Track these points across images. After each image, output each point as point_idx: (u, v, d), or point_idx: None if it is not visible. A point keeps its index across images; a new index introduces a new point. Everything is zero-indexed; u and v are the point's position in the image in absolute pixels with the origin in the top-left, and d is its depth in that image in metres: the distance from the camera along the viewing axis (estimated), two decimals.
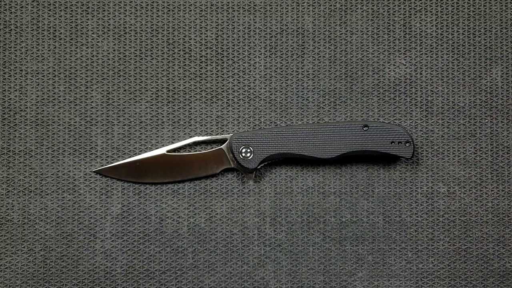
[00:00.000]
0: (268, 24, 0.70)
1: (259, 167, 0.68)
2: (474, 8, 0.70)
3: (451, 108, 0.69)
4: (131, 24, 0.70)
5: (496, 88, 0.69)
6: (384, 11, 0.70)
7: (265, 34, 0.70)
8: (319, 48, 0.70)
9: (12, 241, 0.68)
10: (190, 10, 0.70)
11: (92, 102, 0.69)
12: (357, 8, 0.70)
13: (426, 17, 0.70)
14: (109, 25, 0.70)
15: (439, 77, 0.69)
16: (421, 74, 0.69)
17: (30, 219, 0.68)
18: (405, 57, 0.70)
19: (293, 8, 0.70)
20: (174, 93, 0.69)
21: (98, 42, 0.69)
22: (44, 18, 0.69)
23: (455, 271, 0.68)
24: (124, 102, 0.69)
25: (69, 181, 0.68)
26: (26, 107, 0.69)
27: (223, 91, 0.69)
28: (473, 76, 0.69)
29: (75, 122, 0.69)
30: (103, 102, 0.69)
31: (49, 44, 0.69)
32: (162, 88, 0.69)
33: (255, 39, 0.70)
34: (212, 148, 0.69)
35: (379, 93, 0.69)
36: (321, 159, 0.66)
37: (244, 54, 0.70)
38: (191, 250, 0.68)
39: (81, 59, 0.69)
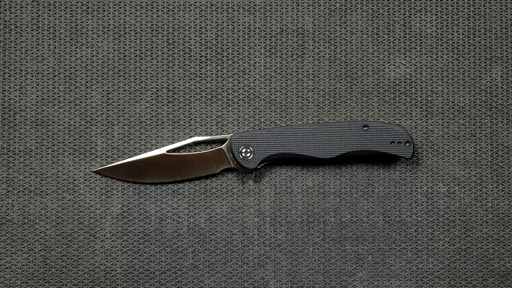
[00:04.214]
0: (268, 24, 0.70)
1: (259, 167, 0.68)
2: (474, 8, 0.70)
3: (451, 108, 0.69)
4: (131, 24, 0.70)
5: (496, 88, 0.69)
6: (384, 11, 0.70)
7: (265, 34, 0.70)
8: (319, 48, 0.70)
9: (12, 241, 0.68)
10: (190, 10, 0.70)
11: (92, 102, 0.69)
12: (357, 8, 0.70)
13: (426, 17, 0.70)
14: (109, 25, 0.70)
15: (439, 77, 0.69)
16: (421, 74, 0.69)
17: (30, 219, 0.68)
18: (405, 57, 0.70)
19: (293, 8, 0.70)
20: (174, 93, 0.69)
21: (98, 42, 0.69)
22: (44, 18, 0.69)
23: (455, 271, 0.68)
24: (124, 102, 0.69)
25: (69, 181, 0.68)
26: (26, 107, 0.69)
27: (223, 91, 0.69)
28: (473, 76, 0.69)
29: (75, 122, 0.69)
30: (103, 102, 0.69)
31: (49, 44, 0.69)
32: (162, 88, 0.69)
33: (255, 39, 0.70)
34: (212, 148, 0.69)
35: (379, 93, 0.69)
36: (321, 159, 0.66)
37: (244, 54, 0.70)
38: (191, 250, 0.68)
39: (81, 59, 0.69)
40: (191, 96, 0.69)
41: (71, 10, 0.70)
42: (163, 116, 0.69)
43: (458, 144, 0.69)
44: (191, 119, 0.69)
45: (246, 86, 0.69)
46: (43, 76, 0.69)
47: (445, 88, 0.69)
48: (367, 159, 0.69)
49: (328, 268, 0.68)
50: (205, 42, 0.70)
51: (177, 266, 0.68)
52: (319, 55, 0.70)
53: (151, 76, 0.69)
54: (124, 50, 0.69)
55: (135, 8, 0.70)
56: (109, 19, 0.70)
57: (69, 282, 0.67)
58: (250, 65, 0.70)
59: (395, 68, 0.69)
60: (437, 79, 0.69)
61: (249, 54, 0.70)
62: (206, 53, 0.70)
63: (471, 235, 0.68)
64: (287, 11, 0.70)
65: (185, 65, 0.69)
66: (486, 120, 0.69)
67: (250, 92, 0.69)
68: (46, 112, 0.69)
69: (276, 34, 0.70)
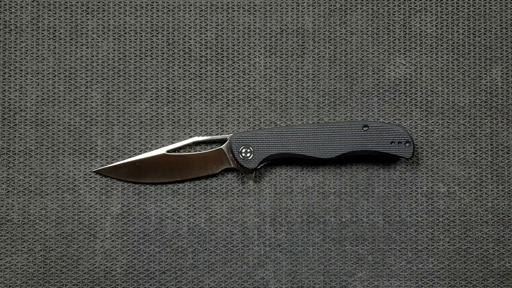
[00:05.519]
0: (268, 24, 0.70)
1: (259, 167, 0.68)
2: (474, 8, 0.70)
3: (451, 108, 0.69)
4: (131, 24, 0.70)
5: (496, 88, 0.69)
6: (384, 11, 0.70)
7: (265, 34, 0.70)
8: (319, 48, 0.70)
9: (12, 241, 0.68)
10: (190, 10, 0.70)
11: (92, 102, 0.69)
12: (357, 8, 0.70)
13: (426, 17, 0.70)
14: (109, 25, 0.70)
15: (439, 77, 0.69)
16: (421, 74, 0.69)
17: (30, 219, 0.68)
18: (405, 57, 0.70)
19: (293, 8, 0.70)
20: (174, 93, 0.69)
21: (98, 42, 0.69)
22: (44, 18, 0.69)
23: (455, 271, 0.68)
24: (124, 102, 0.69)
25: (69, 181, 0.68)
26: (26, 107, 0.69)
27: (223, 91, 0.69)
28: (473, 76, 0.69)
29: (75, 122, 0.69)
30: (103, 102, 0.69)
31: (49, 44, 0.69)
32: (162, 88, 0.69)
33: (255, 39, 0.70)
34: (212, 148, 0.69)
35: (379, 93, 0.69)
36: (321, 159, 0.66)
37: (244, 54, 0.70)
38: (191, 250, 0.68)
39: (81, 59, 0.69)
40: (191, 96, 0.69)
41: (71, 10, 0.70)
42: (163, 116, 0.69)
43: (458, 144, 0.69)
44: (191, 119, 0.69)
45: (246, 86, 0.69)
46: (43, 76, 0.69)
47: (445, 88, 0.69)
48: (367, 159, 0.69)
49: (328, 268, 0.68)
50: (205, 42, 0.70)
51: (177, 266, 0.68)
52: (319, 55, 0.70)
53: (151, 76, 0.69)
54: (124, 50, 0.69)
55: (135, 8, 0.70)
56: (109, 19, 0.70)
57: (69, 282, 0.67)
58: (250, 65, 0.70)
59: (395, 68, 0.69)
60: (437, 79, 0.69)
61: (249, 54, 0.70)
62: (206, 53, 0.70)
63: (471, 235, 0.68)
64: (287, 11, 0.70)
65: (185, 65, 0.69)
66: (486, 120, 0.69)
67: (250, 92, 0.69)
68: (46, 112, 0.69)
69: (276, 34, 0.70)
